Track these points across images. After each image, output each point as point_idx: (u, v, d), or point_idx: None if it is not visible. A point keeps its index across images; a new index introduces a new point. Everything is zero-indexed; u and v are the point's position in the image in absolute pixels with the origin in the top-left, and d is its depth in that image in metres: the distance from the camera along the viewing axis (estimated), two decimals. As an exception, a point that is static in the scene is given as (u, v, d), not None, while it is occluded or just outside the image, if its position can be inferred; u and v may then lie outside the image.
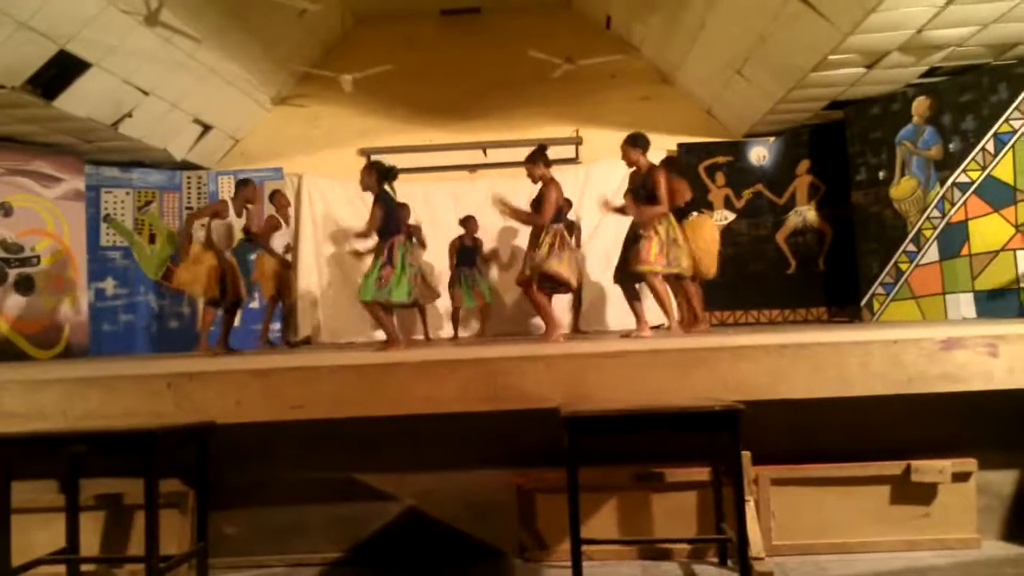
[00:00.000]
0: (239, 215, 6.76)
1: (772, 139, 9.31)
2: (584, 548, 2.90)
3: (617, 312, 8.35)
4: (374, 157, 9.36)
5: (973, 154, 7.20)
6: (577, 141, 9.70)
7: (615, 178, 8.51)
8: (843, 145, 8.50)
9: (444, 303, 8.85)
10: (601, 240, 8.76)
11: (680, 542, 3.49)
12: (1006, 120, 6.99)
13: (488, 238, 8.95)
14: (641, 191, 5.63)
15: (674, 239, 5.57)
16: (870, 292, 8.14)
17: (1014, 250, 6.86)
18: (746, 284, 9.11)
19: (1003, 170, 7.00)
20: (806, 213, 9.17)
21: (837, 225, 8.92)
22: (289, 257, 8.21)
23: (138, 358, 7.35)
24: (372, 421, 3.40)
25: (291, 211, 8.85)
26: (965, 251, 7.22)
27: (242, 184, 6.97)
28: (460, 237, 8.61)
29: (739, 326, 8.96)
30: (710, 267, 6.44)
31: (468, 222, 8.58)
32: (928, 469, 3.45)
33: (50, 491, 3.60)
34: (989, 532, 3.56)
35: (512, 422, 3.42)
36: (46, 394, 3.40)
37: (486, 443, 3.64)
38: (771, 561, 3.26)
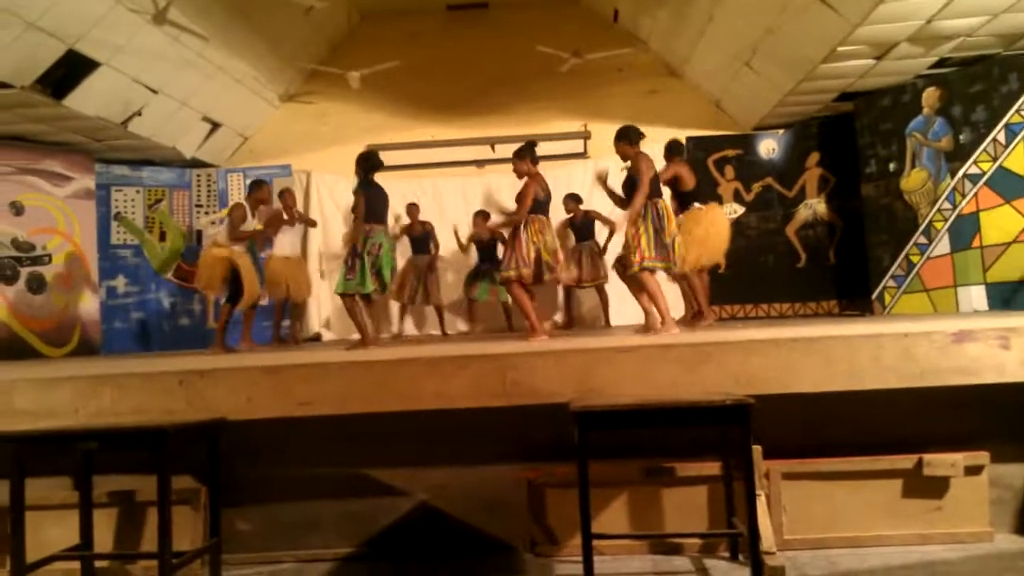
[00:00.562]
0: (253, 215, 6.83)
1: (781, 132, 9.26)
2: (595, 543, 2.90)
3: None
4: (382, 153, 9.45)
5: (984, 145, 7.14)
6: (586, 136, 9.68)
7: (624, 173, 8.45)
8: (853, 137, 8.45)
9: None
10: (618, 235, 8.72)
11: (691, 537, 3.49)
12: (1017, 111, 6.93)
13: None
14: (629, 183, 5.46)
15: (659, 229, 5.25)
16: (881, 285, 8.10)
17: (1026, 242, 6.82)
18: (756, 278, 9.07)
19: (1015, 161, 6.94)
20: (816, 206, 9.12)
21: (847, 218, 8.87)
22: (299, 253, 8.24)
23: (149, 355, 7.38)
24: (383, 417, 3.41)
25: (299, 209, 8.87)
26: (976, 243, 7.17)
27: (255, 185, 7.03)
28: (478, 232, 8.63)
29: (749, 320, 8.93)
30: (713, 255, 6.32)
31: (478, 219, 8.61)
32: (940, 463, 3.44)
33: (64, 488, 3.64)
34: (1002, 525, 3.54)
35: (522, 417, 3.42)
36: (58, 392, 3.43)
37: (497, 438, 3.65)
38: (782, 555, 3.26)
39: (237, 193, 9.35)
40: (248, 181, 8.22)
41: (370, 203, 5.46)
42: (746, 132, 9.42)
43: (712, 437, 3.42)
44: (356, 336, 5.87)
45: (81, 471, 3.29)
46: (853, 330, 3.47)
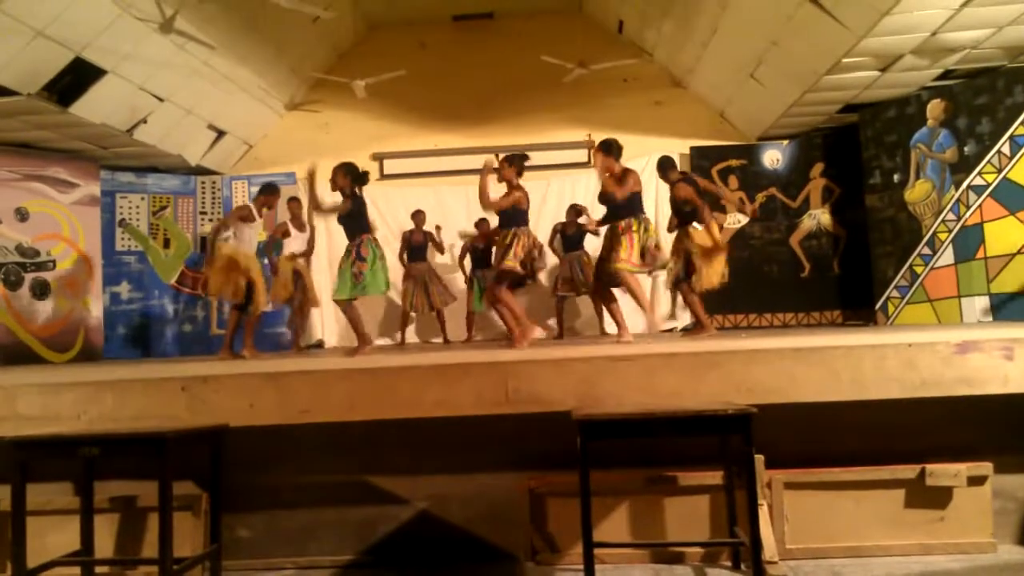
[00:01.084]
0: (259, 217, 6.81)
1: (786, 142, 9.28)
2: (596, 551, 2.89)
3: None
4: (387, 161, 9.48)
5: (989, 157, 7.14)
6: (590, 145, 9.68)
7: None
8: (857, 148, 8.46)
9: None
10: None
11: (693, 546, 3.48)
12: (1022, 123, 6.94)
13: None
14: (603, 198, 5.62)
15: (644, 243, 5.44)
16: (885, 295, 8.10)
17: (1030, 253, 6.81)
18: (760, 287, 9.08)
19: (1019, 173, 6.94)
20: (820, 216, 9.13)
21: (851, 228, 8.87)
22: (303, 262, 8.23)
23: (152, 361, 7.39)
24: (385, 424, 3.41)
25: (305, 217, 8.88)
26: (981, 254, 7.17)
27: (264, 189, 6.96)
28: (472, 240, 8.63)
29: (752, 329, 8.92)
30: (710, 278, 6.31)
31: (481, 225, 8.60)
32: (943, 473, 3.42)
33: (65, 493, 3.63)
34: (1005, 536, 3.52)
35: (524, 425, 3.42)
36: (61, 397, 3.43)
37: (498, 446, 3.64)
38: (784, 565, 3.25)
39: (241, 201, 9.39)
40: (253, 189, 8.23)
41: (359, 213, 5.63)
42: (751, 142, 9.44)
43: (714, 446, 3.40)
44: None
45: (83, 476, 3.29)
46: (856, 340, 3.47)
